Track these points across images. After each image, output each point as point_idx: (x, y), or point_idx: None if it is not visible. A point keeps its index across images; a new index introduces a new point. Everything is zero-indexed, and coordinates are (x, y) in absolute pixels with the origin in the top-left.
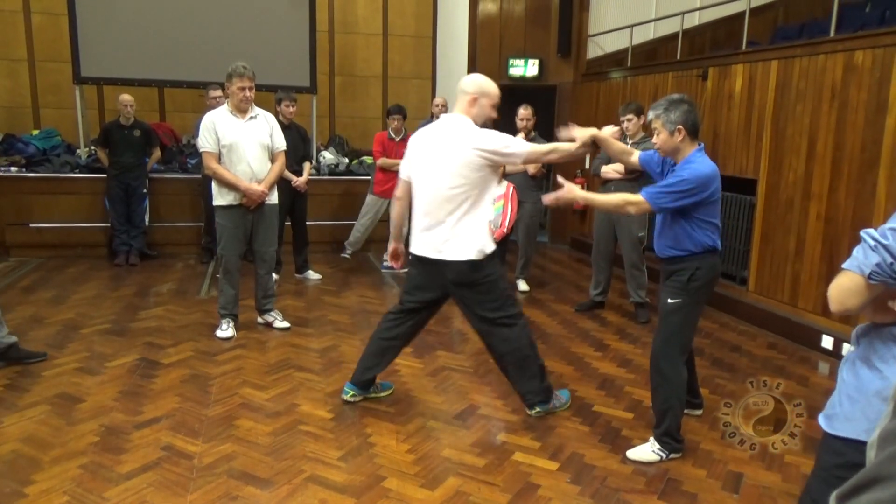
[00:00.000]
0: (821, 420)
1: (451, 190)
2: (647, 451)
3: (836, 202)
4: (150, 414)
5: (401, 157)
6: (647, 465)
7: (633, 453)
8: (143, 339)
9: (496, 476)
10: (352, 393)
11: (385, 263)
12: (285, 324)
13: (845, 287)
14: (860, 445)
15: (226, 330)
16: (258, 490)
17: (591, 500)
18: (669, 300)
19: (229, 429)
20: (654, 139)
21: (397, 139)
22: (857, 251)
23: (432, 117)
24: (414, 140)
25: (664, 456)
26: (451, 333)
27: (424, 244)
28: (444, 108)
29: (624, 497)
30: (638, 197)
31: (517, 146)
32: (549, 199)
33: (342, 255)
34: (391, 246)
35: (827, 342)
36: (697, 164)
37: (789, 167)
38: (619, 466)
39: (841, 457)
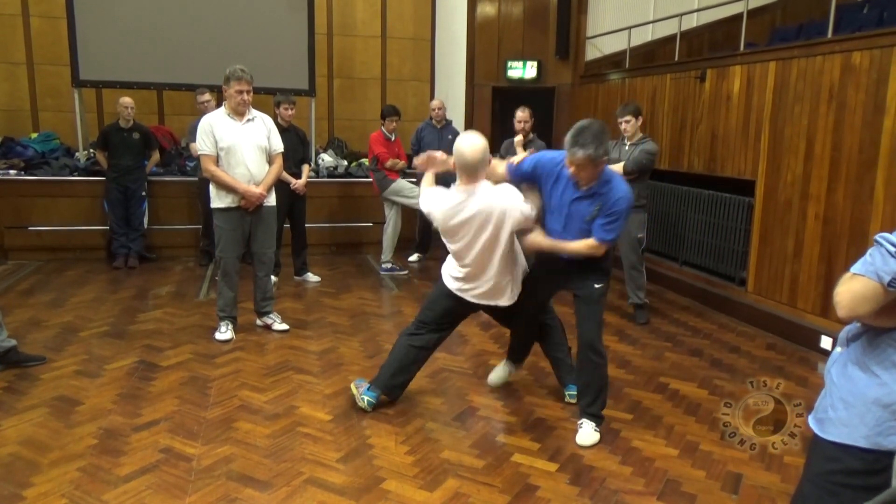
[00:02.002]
0: (812, 423)
1: (501, 251)
2: (590, 433)
3: (834, 203)
4: (148, 416)
5: (395, 155)
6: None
7: (582, 440)
8: (141, 342)
9: (495, 477)
10: (374, 400)
11: (384, 266)
12: (284, 326)
13: (859, 293)
14: (858, 451)
15: (225, 332)
16: (257, 492)
17: (591, 501)
18: (596, 285)
19: (228, 431)
20: (580, 173)
21: (392, 139)
22: (874, 256)
23: (431, 120)
24: (453, 214)
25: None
26: (451, 336)
27: (474, 294)
28: (443, 111)
29: (623, 498)
30: (600, 245)
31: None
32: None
33: (399, 273)
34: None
35: (826, 343)
36: (621, 186)
37: (787, 168)
38: (618, 467)
39: (837, 462)
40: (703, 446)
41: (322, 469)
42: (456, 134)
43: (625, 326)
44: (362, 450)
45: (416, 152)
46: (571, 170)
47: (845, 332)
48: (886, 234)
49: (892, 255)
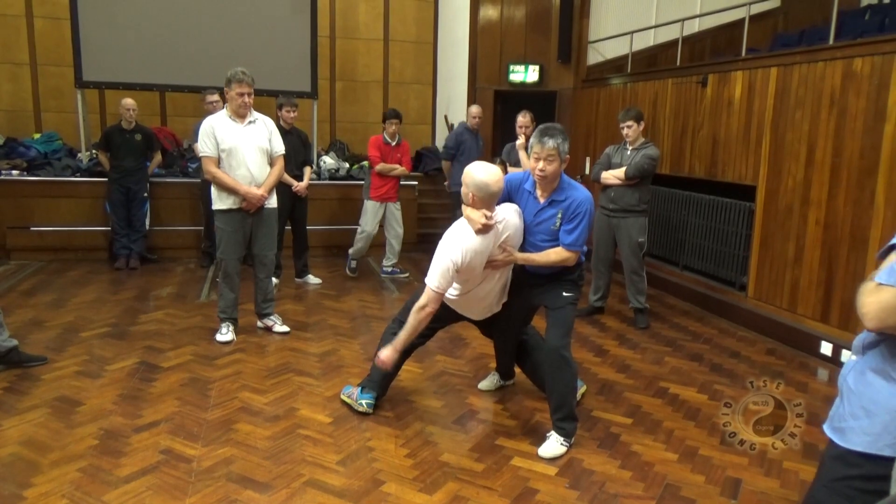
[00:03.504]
0: (830, 433)
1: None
2: (555, 445)
3: (835, 208)
4: (149, 417)
5: (395, 161)
6: (556, 459)
7: (543, 452)
8: (142, 343)
9: (495, 481)
10: (372, 401)
11: (385, 268)
12: (285, 328)
13: (888, 304)
14: (881, 459)
15: (225, 334)
16: (257, 494)
17: None
18: (565, 293)
19: (228, 432)
20: (546, 166)
21: (393, 143)
22: None
23: (466, 125)
24: (469, 255)
25: (569, 444)
26: (451, 339)
27: (479, 315)
28: (481, 119)
29: (622, 502)
30: (567, 253)
31: None
32: (500, 262)
33: (348, 270)
34: (389, 356)
35: (826, 348)
36: (580, 190)
37: (788, 173)
38: (617, 472)
39: (858, 468)
40: (702, 451)
41: (322, 471)
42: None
43: (625, 331)
44: (362, 452)
45: (454, 156)
46: (538, 166)
47: (860, 339)
48: None
49: None
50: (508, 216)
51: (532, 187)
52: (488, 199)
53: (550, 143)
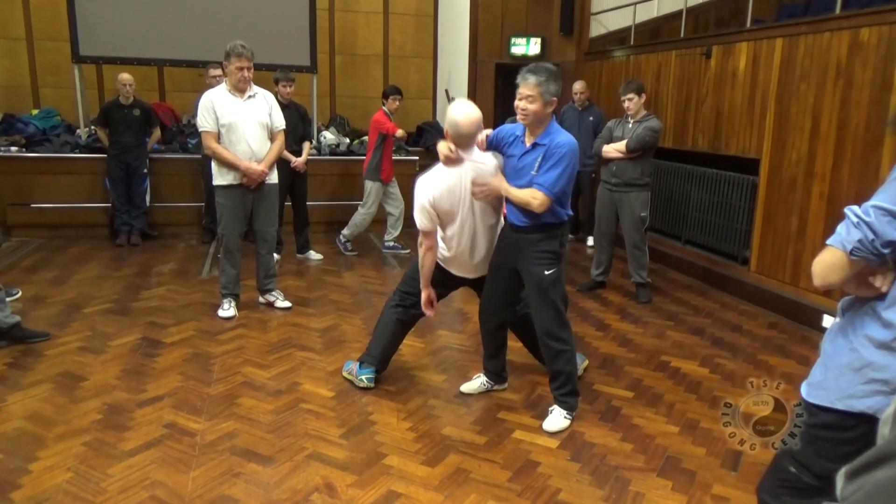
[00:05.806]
0: (802, 388)
1: (493, 222)
2: (559, 419)
3: (839, 181)
4: (152, 392)
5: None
6: (560, 432)
7: (548, 426)
8: (145, 319)
9: (496, 454)
10: (372, 376)
11: (387, 243)
12: (287, 303)
13: (828, 262)
14: (833, 411)
15: (227, 309)
16: (260, 467)
17: (591, 477)
18: (547, 272)
19: (231, 407)
20: (527, 105)
21: (393, 118)
22: (841, 227)
23: (573, 103)
24: (442, 192)
25: (572, 417)
26: (453, 313)
27: (476, 271)
28: (585, 94)
29: (623, 474)
30: (538, 193)
31: None
32: (476, 190)
33: (343, 251)
34: (424, 294)
35: (828, 322)
36: (564, 135)
37: (793, 146)
38: (618, 444)
39: (815, 417)
40: (703, 424)
41: (324, 444)
42: (599, 117)
43: (627, 305)
44: (364, 426)
45: None
46: (520, 105)
47: (841, 302)
48: (854, 207)
49: (855, 226)
50: (487, 163)
51: (522, 132)
52: (457, 140)
53: (532, 79)
